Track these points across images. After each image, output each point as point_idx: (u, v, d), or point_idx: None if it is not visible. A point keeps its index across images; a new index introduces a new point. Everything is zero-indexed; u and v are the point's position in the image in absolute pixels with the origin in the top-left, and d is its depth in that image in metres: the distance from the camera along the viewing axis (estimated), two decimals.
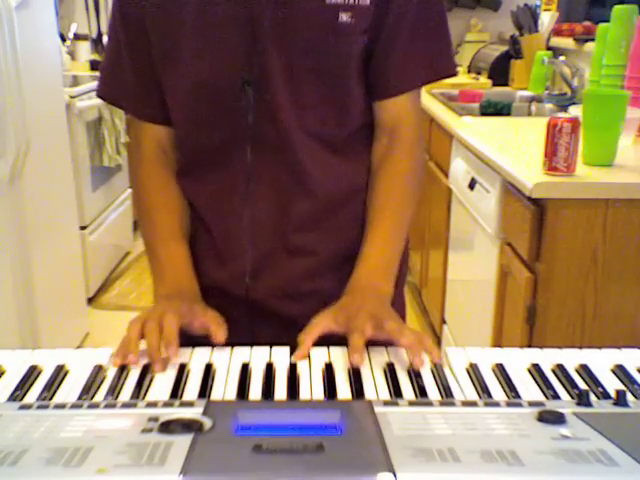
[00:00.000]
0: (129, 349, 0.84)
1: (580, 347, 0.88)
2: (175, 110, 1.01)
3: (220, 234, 1.03)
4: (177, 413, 0.65)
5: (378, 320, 0.86)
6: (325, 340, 0.87)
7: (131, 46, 1.01)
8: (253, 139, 0.97)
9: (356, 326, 0.85)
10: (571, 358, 0.84)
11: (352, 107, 0.99)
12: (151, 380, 0.79)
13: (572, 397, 0.74)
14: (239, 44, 0.93)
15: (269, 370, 0.81)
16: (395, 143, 1.01)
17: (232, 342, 0.88)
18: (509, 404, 0.70)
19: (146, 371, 0.81)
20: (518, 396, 0.74)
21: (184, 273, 1.00)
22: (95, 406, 0.70)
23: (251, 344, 0.88)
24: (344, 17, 0.92)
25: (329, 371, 0.80)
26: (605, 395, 0.75)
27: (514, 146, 1.95)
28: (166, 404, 0.69)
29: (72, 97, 2.91)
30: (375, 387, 0.77)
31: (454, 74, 1.05)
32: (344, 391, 0.76)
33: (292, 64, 0.93)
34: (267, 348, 0.86)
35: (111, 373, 0.81)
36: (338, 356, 0.84)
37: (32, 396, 0.76)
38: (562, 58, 3.02)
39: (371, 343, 0.85)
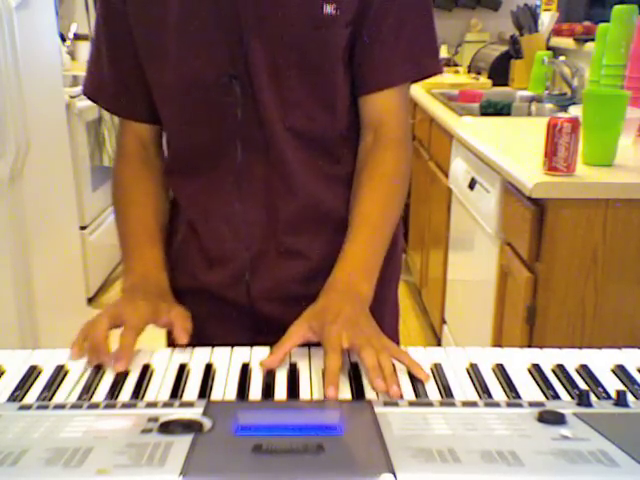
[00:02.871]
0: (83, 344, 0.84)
1: (580, 347, 0.88)
2: (163, 107, 1.01)
3: (208, 236, 1.02)
4: (177, 413, 0.65)
5: (354, 332, 0.82)
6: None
7: (112, 44, 1.01)
8: (243, 137, 0.97)
9: (332, 339, 0.81)
10: (571, 358, 0.84)
11: (339, 104, 0.98)
12: (150, 380, 0.79)
13: (572, 397, 0.74)
14: (223, 39, 0.92)
15: (269, 370, 0.81)
16: (380, 142, 0.99)
17: (224, 345, 0.88)
18: (509, 404, 0.70)
19: (146, 371, 0.81)
20: (518, 396, 0.74)
21: (151, 264, 0.99)
22: (95, 406, 0.70)
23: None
24: (328, 9, 0.91)
25: None
26: (605, 395, 0.75)
27: (514, 146, 1.95)
28: (166, 404, 0.69)
29: (72, 97, 2.91)
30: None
31: (439, 72, 1.03)
32: (344, 391, 0.76)
33: (277, 59, 0.92)
34: (267, 348, 0.86)
35: (110, 373, 0.81)
36: None
37: (32, 396, 0.75)
38: (562, 58, 3.02)
39: None
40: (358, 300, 0.89)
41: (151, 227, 1.03)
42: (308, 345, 0.85)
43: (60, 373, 0.80)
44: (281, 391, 0.76)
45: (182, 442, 0.59)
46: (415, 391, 0.76)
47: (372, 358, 0.78)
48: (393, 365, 0.79)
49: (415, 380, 0.78)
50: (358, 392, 0.76)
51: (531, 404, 0.69)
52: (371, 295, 0.92)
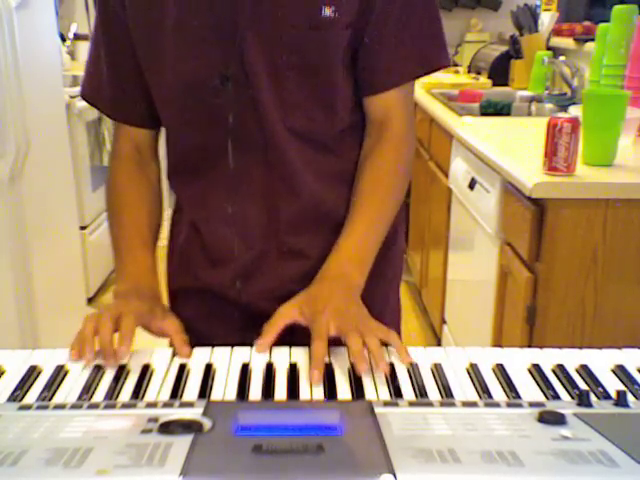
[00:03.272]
0: (84, 345, 0.84)
1: (580, 347, 0.88)
2: (163, 108, 1.01)
3: (210, 236, 1.03)
4: (177, 413, 0.65)
5: (343, 320, 0.85)
6: (291, 332, 0.87)
7: (110, 48, 1.01)
8: (235, 139, 0.96)
9: (319, 327, 0.84)
10: (571, 358, 0.84)
11: (340, 104, 0.98)
12: (150, 380, 0.79)
13: (572, 397, 0.74)
14: (221, 41, 0.92)
15: (269, 370, 0.81)
16: (383, 137, 1.00)
17: (226, 344, 0.88)
18: (509, 404, 0.70)
19: (146, 372, 0.81)
20: (518, 396, 0.74)
21: (145, 270, 1.00)
22: (95, 406, 0.70)
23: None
24: (327, 11, 0.91)
25: (329, 371, 0.80)
26: (605, 395, 0.75)
27: (514, 146, 1.95)
28: (166, 404, 0.69)
29: (72, 97, 2.91)
30: (375, 387, 0.77)
31: (446, 65, 1.02)
32: (344, 391, 0.76)
33: (275, 61, 0.92)
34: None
35: (110, 374, 0.81)
36: (338, 356, 0.84)
37: (32, 396, 0.75)
38: (562, 58, 3.02)
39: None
40: (349, 288, 0.92)
41: (144, 231, 1.03)
42: (309, 345, 0.86)
43: (60, 373, 0.80)
44: (281, 391, 0.76)
45: (182, 442, 0.59)
46: (415, 391, 0.76)
47: (357, 343, 0.81)
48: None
49: (415, 380, 0.78)
50: (358, 392, 0.76)
51: (531, 404, 0.69)
52: (362, 284, 0.94)
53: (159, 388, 0.77)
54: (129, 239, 1.02)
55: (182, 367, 0.82)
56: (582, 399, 0.70)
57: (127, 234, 1.02)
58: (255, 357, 0.85)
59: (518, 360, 0.84)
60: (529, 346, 1.60)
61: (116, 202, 1.06)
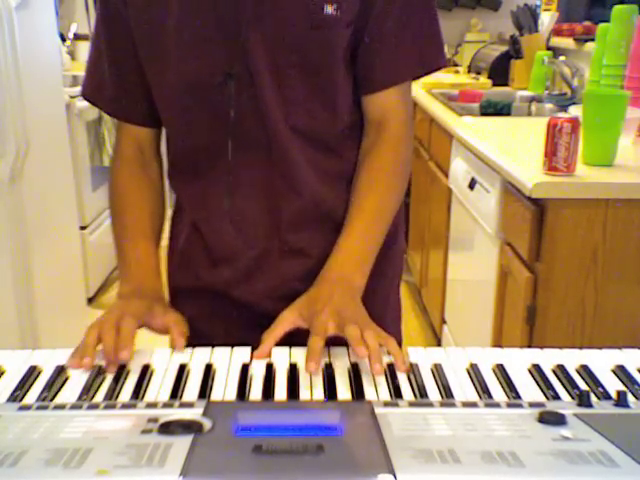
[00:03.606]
0: (85, 353, 0.83)
1: (580, 347, 0.87)
2: (164, 108, 1.01)
3: (211, 236, 1.03)
4: (177, 414, 0.65)
5: (342, 318, 0.85)
6: (291, 334, 0.87)
7: (112, 47, 1.01)
8: (235, 137, 0.96)
9: (318, 325, 0.84)
10: (571, 358, 0.84)
11: (341, 102, 0.98)
12: (150, 380, 0.79)
13: (573, 398, 0.74)
14: (223, 40, 0.92)
15: (269, 370, 0.81)
16: (381, 137, 1.00)
17: (227, 344, 0.88)
18: (509, 405, 0.70)
19: (146, 372, 0.81)
20: (518, 397, 0.74)
21: (148, 271, 1.00)
22: (95, 407, 0.70)
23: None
24: (329, 9, 0.91)
25: (329, 371, 0.80)
26: (606, 396, 0.75)
27: (514, 146, 1.95)
28: (166, 405, 0.69)
29: (72, 97, 2.91)
30: (375, 388, 0.77)
31: (444, 65, 1.03)
32: (344, 391, 0.76)
33: (277, 59, 0.92)
34: None
35: (110, 374, 0.81)
36: (338, 356, 0.84)
37: (32, 396, 0.75)
38: (562, 58, 3.02)
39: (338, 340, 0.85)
40: (349, 290, 0.91)
41: (147, 232, 1.03)
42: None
43: (60, 373, 0.80)
44: (281, 391, 0.76)
45: (182, 442, 0.59)
46: (415, 391, 0.76)
47: (355, 332, 0.81)
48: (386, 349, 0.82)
49: (415, 380, 0.78)
50: (358, 392, 0.76)
51: (531, 405, 0.69)
52: (363, 286, 0.94)
53: (159, 388, 0.77)
54: (132, 240, 1.02)
55: (182, 367, 0.82)
56: (582, 399, 0.70)
57: (130, 235, 1.02)
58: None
59: (518, 360, 0.84)
60: (529, 346, 1.60)
61: (118, 203, 1.06)
